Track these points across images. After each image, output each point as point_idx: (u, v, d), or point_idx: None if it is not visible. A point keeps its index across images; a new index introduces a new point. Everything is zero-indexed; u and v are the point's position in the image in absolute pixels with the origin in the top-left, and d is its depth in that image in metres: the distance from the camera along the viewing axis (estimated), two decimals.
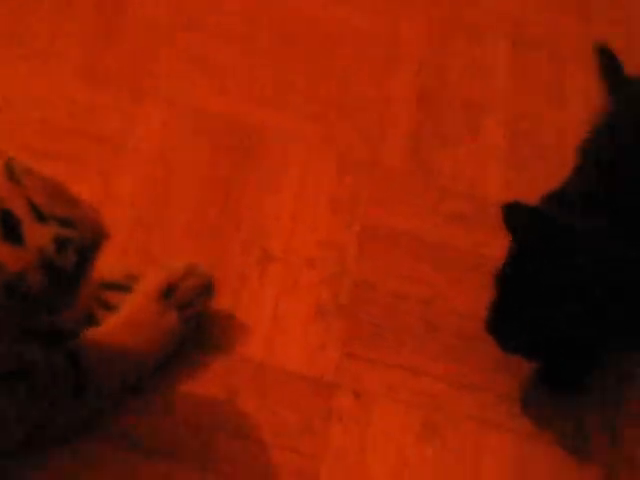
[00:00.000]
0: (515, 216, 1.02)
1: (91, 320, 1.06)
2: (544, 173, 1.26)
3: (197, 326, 1.09)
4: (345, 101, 1.31)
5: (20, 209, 0.85)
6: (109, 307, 1.08)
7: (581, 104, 1.35)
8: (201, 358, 1.08)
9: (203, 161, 1.23)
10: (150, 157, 1.22)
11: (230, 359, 1.08)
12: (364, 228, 1.19)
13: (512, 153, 1.30)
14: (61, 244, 0.86)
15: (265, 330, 1.10)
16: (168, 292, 1.07)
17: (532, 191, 1.14)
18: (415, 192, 1.24)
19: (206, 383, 1.06)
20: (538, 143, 1.31)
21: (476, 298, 1.11)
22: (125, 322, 1.06)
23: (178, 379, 1.06)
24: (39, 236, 0.85)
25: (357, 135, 1.28)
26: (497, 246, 1.07)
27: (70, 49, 1.29)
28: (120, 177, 1.20)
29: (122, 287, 1.10)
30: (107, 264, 0.99)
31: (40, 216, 0.86)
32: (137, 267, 1.11)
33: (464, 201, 1.24)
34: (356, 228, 1.19)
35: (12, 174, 0.86)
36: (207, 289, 1.10)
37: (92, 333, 1.04)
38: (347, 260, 1.16)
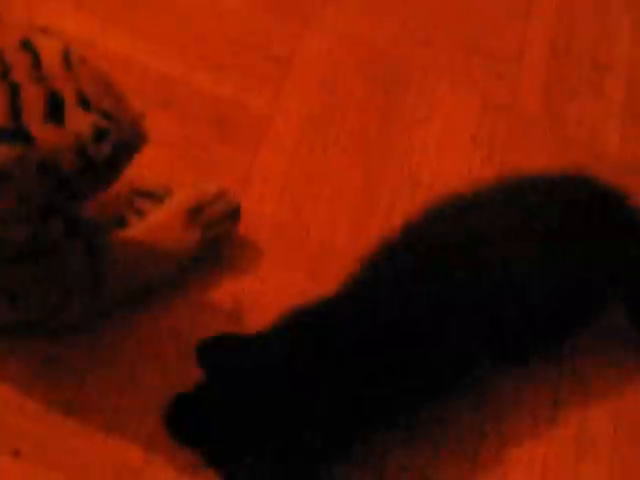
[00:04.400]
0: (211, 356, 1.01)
1: (122, 222, 1.12)
2: None
3: (215, 247, 1.14)
4: (485, 44, 1.42)
5: (67, 93, 0.87)
6: (140, 213, 1.13)
7: None
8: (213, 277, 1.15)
9: (360, 88, 1.34)
10: (314, 80, 1.33)
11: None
12: (502, 164, 1.32)
13: (630, 111, 1.42)
14: (99, 134, 0.88)
15: None
16: (196, 211, 1.12)
17: None
18: (544, 137, 1.36)
19: (215, 296, 1.13)
20: None
21: None
22: (150, 229, 1.10)
23: (188, 291, 1.13)
24: (79, 121, 0.87)
25: (496, 78, 1.40)
26: None
27: None
28: (288, 95, 1.31)
29: (156, 197, 1.15)
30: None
31: (85, 103, 0.88)
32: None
33: (585, 151, 1.37)
34: (495, 163, 1.32)
35: (68, 60, 0.89)
36: (233, 215, 1.15)
37: (117, 234, 1.09)
38: None
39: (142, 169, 1.17)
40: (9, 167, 0.85)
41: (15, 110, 0.86)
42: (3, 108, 0.86)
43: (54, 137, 0.87)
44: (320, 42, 1.36)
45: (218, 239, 1.14)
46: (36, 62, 0.88)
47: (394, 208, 1.25)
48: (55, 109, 0.87)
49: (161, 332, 1.10)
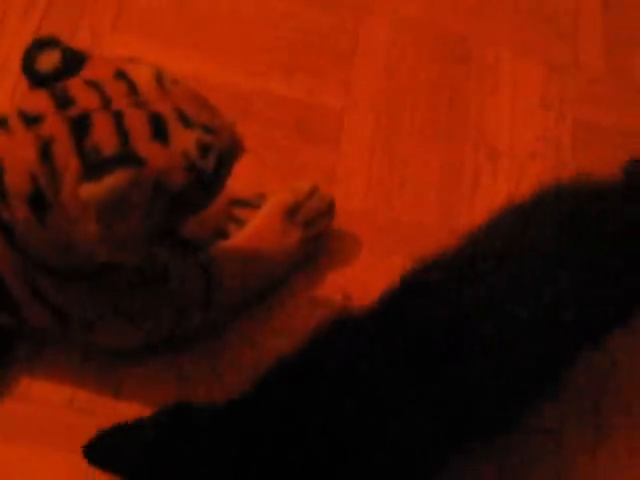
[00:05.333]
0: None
1: (222, 234, 1.15)
2: None
3: (317, 244, 1.17)
4: (539, 6, 1.44)
5: (168, 113, 0.91)
6: (239, 222, 1.17)
7: None
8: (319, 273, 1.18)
9: (424, 69, 1.36)
10: (379, 68, 1.35)
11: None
12: (575, 122, 1.34)
13: None
14: (203, 148, 0.91)
15: None
16: (293, 211, 1.15)
17: None
18: (612, 91, 1.37)
19: (324, 292, 1.16)
20: None
21: None
22: (252, 236, 1.12)
23: (297, 291, 1.16)
24: (184, 139, 0.90)
25: (555, 38, 1.41)
26: None
27: None
28: (357, 87, 1.33)
29: (252, 204, 1.18)
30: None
31: (185, 121, 0.91)
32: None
33: None
34: (568, 122, 1.34)
35: (161, 83, 0.93)
36: (329, 210, 1.17)
37: (221, 245, 1.11)
38: (564, 152, 1.31)
39: (232, 180, 1.21)
40: (127, 190, 0.88)
41: (123, 136, 0.89)
42: (112, 136, 0.89)
43: (162, 156, 0.90)
44: (376, 30, 1.39)
45: (318, 236, 1.17)
46: (133, 89, 0.92)
47: (478, 179, 1.28)
48: (159, 129, 0.90)
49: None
